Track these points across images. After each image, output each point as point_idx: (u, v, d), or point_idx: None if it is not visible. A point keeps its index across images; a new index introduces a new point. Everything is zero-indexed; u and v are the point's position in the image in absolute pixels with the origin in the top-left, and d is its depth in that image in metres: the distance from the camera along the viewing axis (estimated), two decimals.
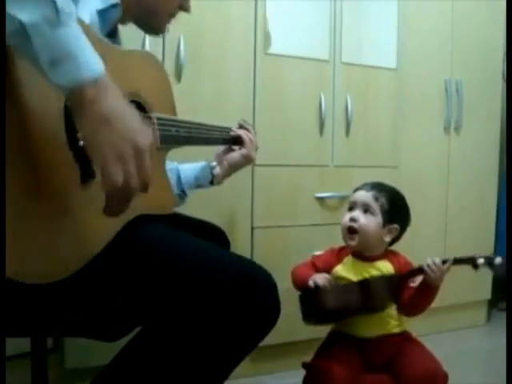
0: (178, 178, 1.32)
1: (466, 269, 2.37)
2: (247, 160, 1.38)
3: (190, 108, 1.55)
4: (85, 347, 1.54)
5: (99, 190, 0.73)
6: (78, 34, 0.66)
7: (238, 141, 1.36)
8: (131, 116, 0.71)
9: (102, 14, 0.98)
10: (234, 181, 1.77)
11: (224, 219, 1.70)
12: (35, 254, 0.70)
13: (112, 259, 0.84)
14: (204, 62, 1.72)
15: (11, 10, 0.61)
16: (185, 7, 1.15)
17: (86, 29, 0.78)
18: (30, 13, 0.61)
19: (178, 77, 1.67)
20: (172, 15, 1.13)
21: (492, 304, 2.56)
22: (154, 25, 1.12)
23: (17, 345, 1.20)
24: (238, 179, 1.78)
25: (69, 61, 0.64)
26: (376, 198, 1.43)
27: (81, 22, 0.78)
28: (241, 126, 1.40)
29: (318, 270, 1.47)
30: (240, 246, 1.72)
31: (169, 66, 1.65)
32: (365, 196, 1.44)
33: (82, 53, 0.65)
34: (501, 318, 2.44)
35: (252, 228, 1.82)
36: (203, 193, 1.71)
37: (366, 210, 1.42)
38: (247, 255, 1.77)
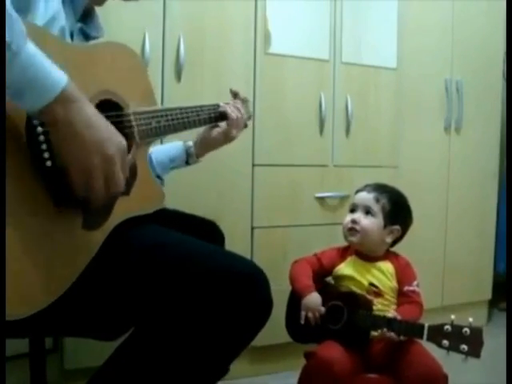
0: (150, 161, 1.24)
1: (466, 269, 2.38)
2: (227, 139, 1.30)
3: None
4: (84, 348, 1.53)
5: (72, 207, 0.75)
6: (32, 57, 0.66)
7: (224, 117, 1.28)
8: (100, 125, 0.73)
9: (70, 1, 0.94)
10: (234, 181, 1.78)
11: (224, 219, 1.70)
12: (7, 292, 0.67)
13: (108, 261, 0.84)
14: (204, 62, 1.72)
15: None
16: None
17: (44, 35, 0.77)
18: None
19: (178, 77, 1.67)
20: None
21: (492, 304, 2.56)
22: None
23: (15, 345, 1.19)
24: (238, 179, 1.79)
25: (31, 89, 0.66)
26: (377, 200, 1.44)
27: (37, 28, 0.77)
28: (228, 103, 1.32)
29: (321, 267, 1.50)
30: (240, 246, 1.71)
31: (169, 66, 1.65)
32: (366, 198, 1.45)
33: (40, 76, 0.67)
34: (501, 318, 2.43)
35: (252, 228, 1.82)
36: (203, 192, 1.71)
37: (367, 211, 1.44)
38: (247, 255, 1.77)
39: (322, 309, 1.39)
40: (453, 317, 1.24)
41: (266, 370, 1.87)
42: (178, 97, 1.65)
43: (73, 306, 0.83)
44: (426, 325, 1.26)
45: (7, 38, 0.62)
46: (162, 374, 0.84)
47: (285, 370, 1.84)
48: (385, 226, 1.44)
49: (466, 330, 1.21)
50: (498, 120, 2.48)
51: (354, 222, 1.44)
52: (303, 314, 1.41)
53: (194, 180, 1.66)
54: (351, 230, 1.44)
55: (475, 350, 1.20)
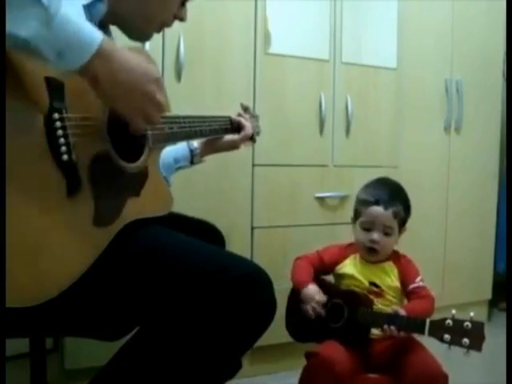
0: None
1: (466, 269, 2.38)
2: (233, 148, 1.37)
3: (189, 108, 1.55)
4: (84, 348, 1.53)
5: (84, 202, 0.77)
6: (69, 16, 0.69)
7: (238, 128, 1.34)
8: (135, 66, 0.79)
9: (88, 9, 0.95)
10: (234, 181, 1.78)
11: (224, 219, 1.70)
12: (18, 276, 0.68)
13: (112, 261, 0.84)
14: (204, 62, 1.72)
15: (9, 30, 0.64)
16: (180, 16, 1.12)
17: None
18: (26, 26, 0.65)
19: (178, 77, 1.67)
20: (164, 24, 1.10)
21: (492, 304, 2.56)
22: (142, 32, 1.09)
23: (16, 345, 1.19)
24: (238, 179, 1.79)
25: (71, 47, 0.70)
26: (395, 216, 1.40)
27: None
28: (240, 115, 1.39)
29: (322, 264, 1.50)
30: (240, 246, 1.72)
31: (169, 66, 1.66)
32: (385, 216, 1.39)
33: (78, 34, 0.70)
34: (501, 318, 2.43)
35: (252, 228, 1.82)
36: (203, 192, 1.71)
37: (386, 232, 1.40)
38: (247, 255, 1.77)
39: (321, 298, 1.39)
40: (454, 311, 1.24)
41: (265, 369, 1.87)
42: (178, 97, 1.64)
43: (75, 305, 0.83)
44: (428, 320, 1.26)
45: (46, 2, 0.66)
46: (166, 375, 0.84)
47: (285, 369, 1.84)
48: (399, 233, 1.43)
49: (468, 323, 1.21)
50: (498, 120, 2.48)
51: (372, 241, 1.40)
52: (304, 307, 1.41)
53: (194, 180, 1.66)
54: (371, 250, 1.41)
55: (477, 343, 1.20)
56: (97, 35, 0.72)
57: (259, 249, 1.82)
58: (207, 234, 1.20)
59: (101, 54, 0.72)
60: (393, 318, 1.29)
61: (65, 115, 0.75)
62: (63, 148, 0.75)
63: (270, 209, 1.84)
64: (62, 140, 0.75)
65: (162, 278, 0.84)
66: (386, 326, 1.28)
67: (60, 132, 0.74)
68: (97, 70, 0.73)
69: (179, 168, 1.33)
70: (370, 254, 1.42)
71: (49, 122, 0.74)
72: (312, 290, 1.42)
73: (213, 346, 0.84)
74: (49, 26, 0.67)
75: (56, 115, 0.74)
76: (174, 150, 1.31)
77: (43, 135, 0.73)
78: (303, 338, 1.48)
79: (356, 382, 1.33)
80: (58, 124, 0.74)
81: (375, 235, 1.39)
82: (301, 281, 1.45)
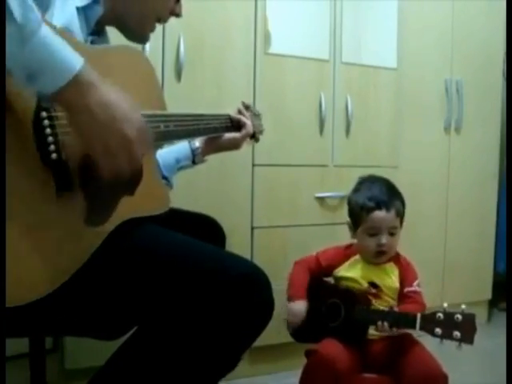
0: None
1: (466, 269, 2.38)
2: (235, 147, 1.33)
3: (189, 108, 1.54)
4: (84, 348, 1.53)
5: (76, 202, 0.75)
6: (47, 39, 0.65)
7: (238, 126, 1.31)
8: (117, 105, 0.71)
9: (84, 11, 0.95)
10: (234, 181, 1.78)
11: (224, 219, 1.70)
12: (8, 275, 0.67)
13: (108, 261, 0.84)
14: (204, 62, 1.72)
15: None
16: (176, 12, 1.11)
17: (59, 33, 0.77)
18: None
19: (178, 77, 1.67)
20: (160, 20, 1.10)
21: (492, 304, 2.56)
22: (139, 30, 1.09)
23: (15, 345, 1.19)
24: (238, 179, 1.79)
25: (44, 72, 0.65)
26: (397, 214, 1.39)
27: (51, 26, 0.76)
28: (240, 112, 1.36)
29: (320, 268, 1.49)
30: (240, 246, 1.71)
31: (169, 66, 1.66)
32: (389, 218, 1.38)
33: (55, 59, 0.65)
34: (501, 318, 2.44)
35: (252, 228, 1.82)
36: (203, 192, 1.71)
37: (391, 232, 1.39)
38: (247, 255, 1.77)
39: (300, 319, 1.41)
40: (445, 304, 1.24)
41: (266, 369, 1.87)
42: (178, 97, 1.65)
43: (72, 305, 0.83)
44: (419, 314, 1.25)
45: (21, 21, 0.62)
46: (164, 375, 0.84)
47: (285, 369, 1.84)
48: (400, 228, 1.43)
49: (458, 316, 1.20)
50: (498, 120, 2.48)
51: (381, 245, 1.38)
52: (287, 318, 1.43)
53: (194, 180, 1.66)
54: (379, 253, 1.39)
55: (468, 336, 1.18)
56: (76, 62, 0.67)
57: (259, 249, 1.82)
58: (207, 228, 1.20)
59: (77, 83, 0.67)
60: (385, 315, 1.28)
61: (53, 114, 0.74)
62: (52, 147, 0.73)
63: (269, 209, 1.84)
64: (50, 138, 0.73)
65: (160, 278, 0.84)
66: (379, 323, 1.28)
67: (48, 130, 0.73)
68: (71, 101, 0.67)
69: (181, 168, 1.32)
70: (379, 257, 1.41)
71: (36, 121, 0.72)
72: (299, 305, 1.42)
73: (210, 346, 0.84)
74: (23, 45, 0.63)
75: (44, 114, 0.73)
76: (175, 150, 1.30)
77: (31, 134, 0.72)
78: (303, 338, 1.48)
79: (355, 381, 1.33)
80: (46, 122, 0.73)
81: (383, 239, 1.37)
82: (293, 293, 1.45)
